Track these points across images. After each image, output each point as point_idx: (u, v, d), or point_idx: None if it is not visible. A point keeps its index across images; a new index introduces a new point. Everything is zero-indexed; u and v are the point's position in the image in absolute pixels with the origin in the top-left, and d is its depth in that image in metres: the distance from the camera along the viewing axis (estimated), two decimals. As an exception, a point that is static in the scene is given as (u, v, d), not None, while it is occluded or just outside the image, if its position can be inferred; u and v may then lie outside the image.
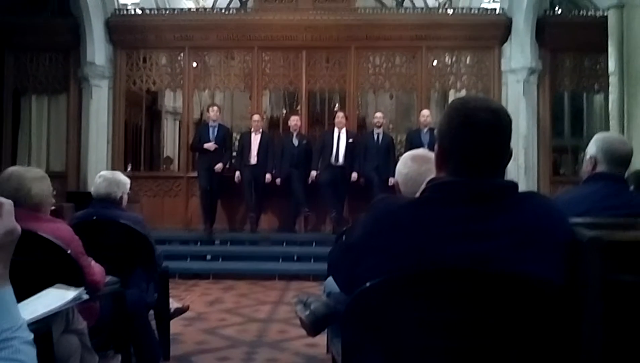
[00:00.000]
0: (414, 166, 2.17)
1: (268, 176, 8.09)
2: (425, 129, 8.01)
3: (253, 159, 8.16)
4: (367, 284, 1.36)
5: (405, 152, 2.40)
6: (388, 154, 8.10)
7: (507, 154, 1.42)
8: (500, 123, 1.40)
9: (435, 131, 1.76)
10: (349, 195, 8.16)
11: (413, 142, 7.84)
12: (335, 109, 9.26)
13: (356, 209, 7.96)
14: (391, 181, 7.67)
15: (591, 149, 2.41)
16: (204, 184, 8.10)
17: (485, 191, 1.37)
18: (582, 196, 2.29)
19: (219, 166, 8.00)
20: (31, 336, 1.04)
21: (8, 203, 1.06)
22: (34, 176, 2.53)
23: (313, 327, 2.10)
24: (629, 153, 2.40)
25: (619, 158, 2.35)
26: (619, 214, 2.08)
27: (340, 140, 8.15)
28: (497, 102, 1.52)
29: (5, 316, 1.01)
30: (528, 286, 1.32)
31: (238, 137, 9.00)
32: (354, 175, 7.97)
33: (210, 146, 8.02)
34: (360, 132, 8.88)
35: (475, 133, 1.38)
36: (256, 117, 8.42)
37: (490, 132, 1.39)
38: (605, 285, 1.32)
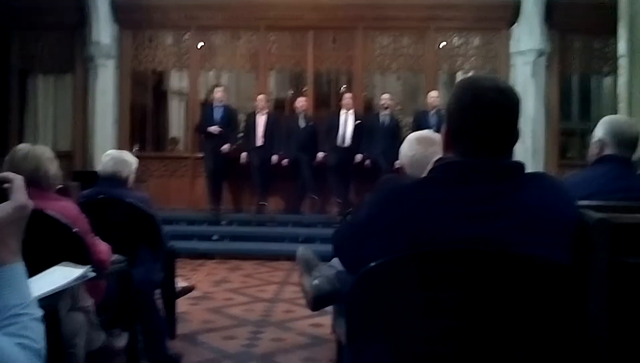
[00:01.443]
0: (419, 148, 2.17)
1: (274, 158, 8.07)
2: (433, 111, 7.95)
3: (259, 141, 8.14)
4: (372, 264, 1.36)
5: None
6: (394, 137, 8.04)
7: (515, 135, 1.41)
8: (509, 103, 1.39)
9: (443, 111, 1.75)
10: (356, 178, 8.14)
11: (420, 123, 7.78)
12: (341, 91, 9.20)
13: (362, 192, 7.94)
14: (397, 164, 7.65)
15: (598, 132, 2.39)
16: (210, 165, 8.10)
17: (492, 171, 1.36)
18: (589, 179, 2.28)
19: (225, 147, 7.97)
20: (40, 313, 1.05)
21: (19, 178, 1.07)
22: (49, 156, 2.56)
23: (315, 302, 2.09)
24: (636, 136, 2.37)
25: (626, 141, 2.33)
26: (627, 197, 2.06)
27: (348, 122, 8.11)
28: (505, 81, 1.50)
29: (16, 292, 1.01)
30: (535, 267, 1.32)
31: (244, 118, 8.98)
32: (358, 156, 7.94)
33: (214, 129, 7.99)
34: (366, 114, 8.83)
35: (484, 113, 1.37)
36: (261, 97, 8.38)
37: (498, 112, 1.38)
38: (612, 267, 1.32)
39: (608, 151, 2.34)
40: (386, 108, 8.19)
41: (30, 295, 1.04)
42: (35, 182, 2.45)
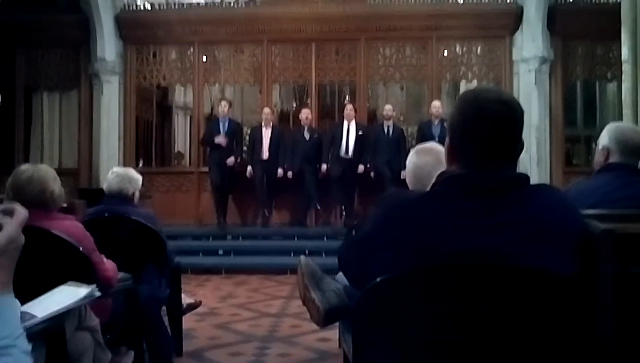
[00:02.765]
0: (423, 160, 2.16)
1: (280, 171, 8.08)
2: (437, 121, 7.96)
3: (264, 154, 8.15)
4: (378, 279, 1.35)
5: (416, 144, 2.39)
6: (399, 147, 8.04)
7: (519, 146, 1.40)
8: (513, 114, 1.38)
9: (446, 124, 1.74)
10: (360, 189, 8.13)
11: (424, 134, 7.80)
12: (345, 102, 9.22)
13: (367, 203, 7.94)
14: (403, 174, 7.65)
15: (603, 139, 2.37)
16: (215, 179, 8.11)
17: (497, 183, 1.35)
18: (595, 187, 2.26)
19: (230, 160, 7.99)
20: (29, 347, 1.04)
21: (23, 215, 1.06)
22: (53, 176, 2.54)
23: (325, 317, 2.05)
24: None
25: (632, 148, 2.31)
26: (633, 206, 2.04)
27: (350, 132, 8.12)
28: (508, 93, 1.50)
29: (5, 324, 1.00)
30: (540, 279, 1.30)
31: (248, 131, 9.00)
32: (361, 167, 7.94)
33: (220, 139, 8.00)
34: (370, 125, 8.83)
35: (488, 125, 1.36)
36: (267, 110, 8.41)
37: (502, 124, 1.37)
38: (618, 278, 1.31)
39: (613, 159, 2.32)
40: (389, 118, 8.19)
41: (20, 328, 1.03)
42: (42, 204, 2.45)
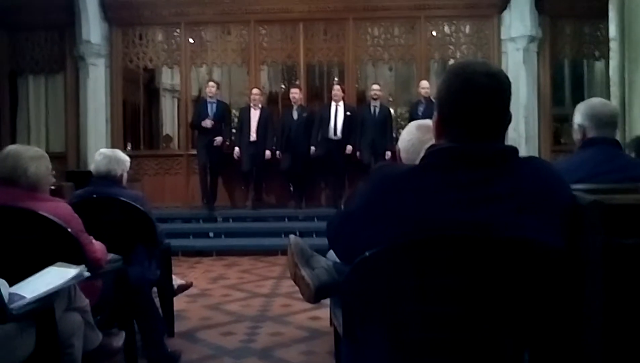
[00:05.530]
0: (417, 134, 2.16)
1: (268, 153, 8.06)
2: (423, 100, 7.98)
3: (252, 136, 8.11)
4: (367, 253, 1.35)
5: (406, 124, 2.39)
6: (385, 128, 8.05)
7: (507, 118, 1.41)
8: (501, 87, 1.38)
9: (434, 97, 1.73)
10: (348, 169, 8.14)
11: (412, 114, 7.85)
12: (334, 83, 9.18)
13: (355, 183, 7.96)
14: (388, 155, 7.66)
15: (577, 118, 2.43)
16: (202, 161, 8.09)
17: (485, 155, 1.36)
18: (577, 163, 2.29)
19: (218, 140, 7.94)
20: None
21: None
22: (31, 155, 2.50)
23: (316, 293, 2.05)
24: (614, 113, 2.43)
25: (605, 119, 2.37)
26: (616, 179, 2.07)
27: (338, 113, 8.09)
28: (496, 65, 1.50)
29: None
30: (529, 251, 1.31)
31: (237, 113, 8.95)
32: (349, 148, 7.93)
33: (207, 123, 7.95)
34: (359, 106, 8.81)
35: (476, 98, 1.36)
36: (255, 91, 8.34)
37: (490, 96, 1.37)
38: (607, 249, 1.32)
39: (590, 135, 2.37)
40: (376, 99, 8.16)
41: None
42: (15, 182, 2.42)
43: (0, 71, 8.90)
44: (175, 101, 10.89)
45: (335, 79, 9.65)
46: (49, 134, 9.04)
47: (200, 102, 8.58)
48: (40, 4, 8.70)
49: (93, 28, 8.66)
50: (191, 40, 9.04)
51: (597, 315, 1.33)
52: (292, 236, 2.11)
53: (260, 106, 8.30)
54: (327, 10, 8.74)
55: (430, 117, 1.49)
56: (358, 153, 7.93)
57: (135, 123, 9.59)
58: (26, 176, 2.44)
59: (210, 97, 8.18)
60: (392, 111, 8.84)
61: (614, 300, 1.32)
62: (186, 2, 8.79)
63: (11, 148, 2.53)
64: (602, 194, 1.43)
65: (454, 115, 1.40)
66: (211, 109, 8.12)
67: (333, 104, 8.14)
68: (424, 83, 8.14)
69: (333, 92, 8.23)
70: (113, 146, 8.17)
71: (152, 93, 10.74)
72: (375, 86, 8.35)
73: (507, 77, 1.41)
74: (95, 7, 8.67)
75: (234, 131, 8.66)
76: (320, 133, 8.05)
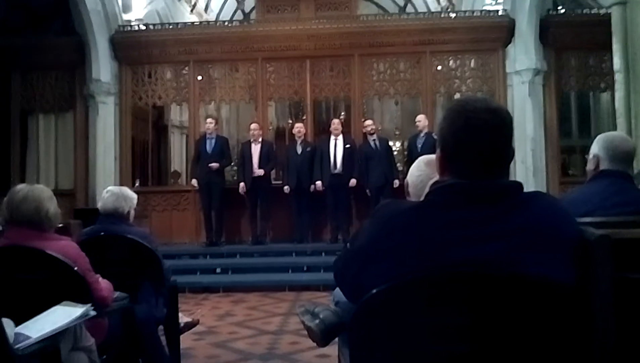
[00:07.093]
0: (427, 171, 2.15)
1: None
2: (422, 134, 7.99)
3: (255, 171, 8.12)
4: (374, 291, 1.34)
5: (407, 157, 2.40)
6: (388, 158, 8.13)
7: (510, 154, 1.40)
8: (502, 122, 1.38)
9: (436, 134, 1.74)
10: (353, 202, 8.12)
11: (411, 147, 7.91)
12: (340, 117, 9.24)
13: (361, 216, 7.96)
14: (396, 183, 7.68)
15: (594, 148, 2.41)
16: (204, 198, 8.14)
17: (489, 192, 1.35)
18: (588, 195, 2.27)
19: (214, 165, 7.95)
20: None
21: None
22: (49, 195, 2.54)
23: (323, 336, 2.06)
24: (631, 150, 2.39)
25: (621, 155, 2.34)
26: (626, 212, 2.05)
27: (337, 147, 8.13)
28: (496, 101, 1.50)
29: None
30: (537, 287, 1.29)
31: (238, 146, 8.99)
32: (353, 181, 7.94)
33: (214, 166, 7.99)
34: (361, 142, 8.82)
35: (478, 134, 1.36)
36: (254, 126, 8.39)
37: (492, 133, 1.37)
38: (616, 283, 1.30)
39: (604, 166, 2.34)
40: (372, 133, 8.19)
41: None
42: (36, 223, 2.45)
43: (10, 110, 9.04)
44: (184, 137, 10.97)
45: (342, 113, 9.71)
46: (58, 171, 9.13)
47: (200, 139, 8.55)
48: (51, 44, 8.91)
49: (103, 67, 8.81)
50: (199, 78, 9.16)
51: (608, 349, 1.30)
52: (297, 307, 2.18)
53: (260, 140, 8.32)
54: (333, 47, 8.86)
55: (428, 150, 1.49)
56: (368, 191, 7.92)
57: (144, 160, 9.65)
58: (47, 217, 2.48)
59: (209, 133, 8.23)
60: (398, 144, 8.87)
61: (625, 335, 1.30)
62: (195, 41, 8.95)
63: (25, 188, 2.54)
64: (611, 227, 1.42)
65: (457, 152, 1.39)
66: (210, 144, 8.17)
67: (332, 138, 8.19)
68: (420, 116, 8.19)
69: (332, 127, 8.29)
70: (121, 183, 8.22)
71: (161, 130, 10.85)
72: (368, 122, 8.42)
73: (508, 113, 1.41)
74: (105, 47, 8.84)
75: (233, 164, 8.65)
76: (322, 167, 8.06)
